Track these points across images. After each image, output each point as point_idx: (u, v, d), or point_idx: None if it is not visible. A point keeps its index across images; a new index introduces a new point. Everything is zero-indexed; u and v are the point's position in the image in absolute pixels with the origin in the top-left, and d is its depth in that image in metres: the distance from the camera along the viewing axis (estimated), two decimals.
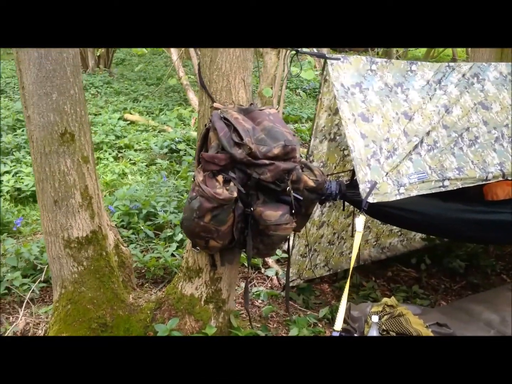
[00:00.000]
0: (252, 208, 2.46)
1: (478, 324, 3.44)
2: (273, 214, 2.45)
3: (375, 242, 4.17)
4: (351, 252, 3.98)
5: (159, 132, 7.57)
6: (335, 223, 3.79)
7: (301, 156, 3.22)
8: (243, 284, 3.71)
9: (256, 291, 3.68)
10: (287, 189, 2.47)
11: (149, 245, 4.12)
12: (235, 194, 2.35)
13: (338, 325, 2.32)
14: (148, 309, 2.81)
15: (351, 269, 2.51)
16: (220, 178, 2.38)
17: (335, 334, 2.29)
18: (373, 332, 2.84)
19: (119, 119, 7.90)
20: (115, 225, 4.21)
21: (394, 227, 4.15)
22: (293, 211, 2.52)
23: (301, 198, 2.55)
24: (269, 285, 3.86)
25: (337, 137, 3.43)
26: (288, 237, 2.92)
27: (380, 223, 4.06)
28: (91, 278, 2.63)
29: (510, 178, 2.77)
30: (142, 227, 4.29)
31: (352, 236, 3.81)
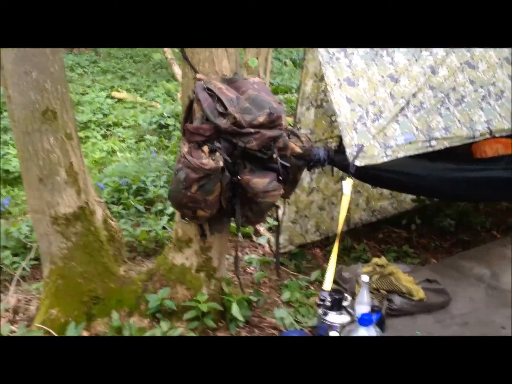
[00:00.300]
0: (239, 177, 2.46)
1: (469, 280, 3.51)
2: (261, 181, 2.46)
3: (366, 206, 4.20)
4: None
5: (147, 108, 7.51)
6: (325, 189, 3.81)
7: (290, 125, 3.24)
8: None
9: (248, 259, 3.72)
10: (274, 156, 2.47)
11: (140, 220, 4.14)
12: (221, 164, 2.35)
13: (327, 285, 2.35)
14: (139, 281, 2.84)
15: (339, 230, 2.53)
16: (205, 148, 2.38)
17: (324, 293, 2.32)
18: (364, 292, 2.88)
19: (106, 97, 7.83)
20: (105, 201, 4.23)
21: (384, 190, 4.18)
22: (281, 178, 2.52)
23: (288, 165, 2.55)
24: (261, 252, 3.89)
25: (324, 104, 3.42)
26: (276, 204, 2.94)
27: (370, 187, 4.08)
28: (80, 253, 2.64)
29: (497, 136, 2.77)
30: (132, 202, 4.30)
31: None
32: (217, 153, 2.35)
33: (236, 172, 2.45)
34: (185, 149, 2.37)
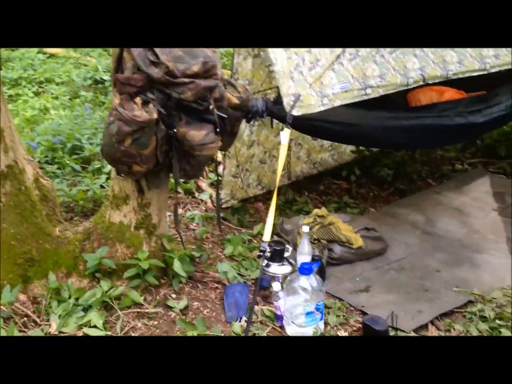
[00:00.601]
0: (175, 130, 2.40)
1: (405, 226, 3.63)
2: (197, 134, 2.40)
3: (307, 158, 4.21)
4: (283, 169, 4.01)
5: (81, 63, 7.19)
6: (265, 141, 3.79)
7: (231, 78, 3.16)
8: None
9: (190, 215, 3.68)
10: (210, 107, 2.41)
11: (76, 179, 4.01)
12: (155, 116, 2.28)
13: (267, 236, 2.36)
14: (76, 241, 2.76)
15: (277, 181, 2.52)
16: (138, 100, 2.29)
17: (264, 245, 2.34)
18: (304, 242, 2.93)
19: (38, 52, 7.41)
20: (38, 161, 4.06)
21: (325, 142, 4.20)
22: (218, 130, 2.47)
23: (226, 116, 2.50)
24: (204, 208, 3.86)
25: (261, 53, 3.35)
26: (216, 158, 2.91)
27: (311, 139, 4.09)
28: (11, 214, 2.53)
29: (430, 82, 2.80)
30: (67, 162, 4.15)
31: None
32: (151, 105, 2.28)
33: (172, 125, 2.38)
34: (116, 101, 2.27)
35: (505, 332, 2.52)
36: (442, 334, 2.57)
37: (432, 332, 2.59)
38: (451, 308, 2.74)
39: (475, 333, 2.56)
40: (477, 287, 2.93)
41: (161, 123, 2.36)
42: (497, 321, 2.64)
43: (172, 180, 2.66)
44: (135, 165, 2.39)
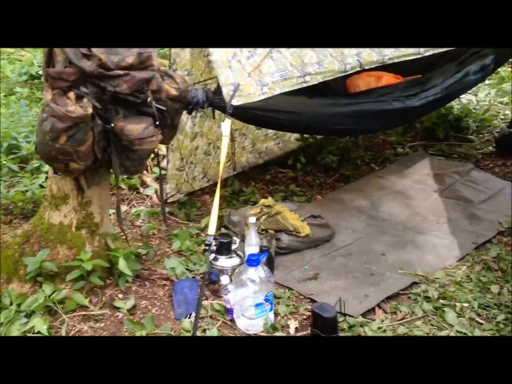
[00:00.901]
0: (112, 124, 2.33)
1: (350, 211, 3.68)
2: (136, 128, 2.34)
3: (252, 148, 4.20)
4: (228, 160, 3.99)
5: (15, 58, 6.90)
6: (209, 133, 3.74)
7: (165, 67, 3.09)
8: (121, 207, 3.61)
9: (135, 211, 3.60)
10: (148, 100, 2.35)
11: (14, 180, 3.85)
12: (90, 111, 2.20)
13: (212, 229, 2.33)
14: (15, 244, 2.65)
15: (220, 172, 2.49)
16: (71, 94, 2.21)
17: (210, 238, 2.31)
18: (252, 233, 2.92)
19: None
20: None
21: (269, 131, 4.19)
22: (157, 122, 2.42)
23: (164, 108, 2.45)
24: (149, 204, 3.79)
25: None
26: (158, 151, 2.85)
27: (255, 128, 4.07)
28: None
29: (367, 68, 2.83)
30: (4, 162, 3.98)
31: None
32: (85, 99, 2.20)
33: (109, 119, 2.32)
34: (48, 96, 2.18)
35: (449, 311, 2.60)
36: (389, 317, 2.62)
37: (379, 315, 2.63)
38: (397, 291, 2.79)
39: (420, 313, 2.63)
40: (421, 268, 3.00)
41: (97, 118, 2.29)
42: (441, 301, 2.71)
43: (113, 177, 2.59)
44: (72, 163, 2.31)
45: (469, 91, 5.28)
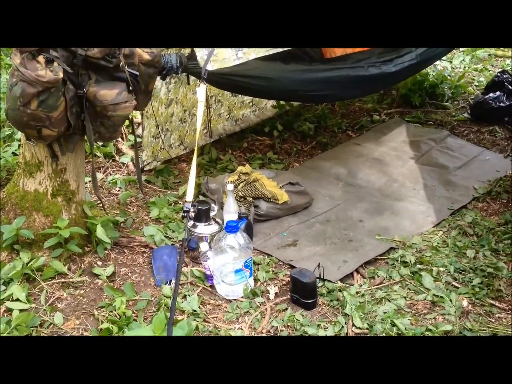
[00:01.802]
0: (84, 89, 2.27)
1: (328, 178, 3.69)
2: (109, 93, 2.28)
3: (228, 115, 4.15)
4: (204, 128, 3.94)
5: None
6: (184, 99, 3.68)
7: None
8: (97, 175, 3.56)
9: (112, 179, 3.55)
10: (121, 65, 2.29)
11: None
12: (61, 75, 2.13)
13: (189, 196, 2.31)
14: None
15: (197, 137, 2.46)
16: (41, 58, 2.13)
17: (187, 205, 2.29)
18: (230, 200, 2.91)
19: None
20: None
21: (246, 98, 4.15)
22: (131, 88, 2.36)
23: (138, 73, 2.39)
24: (126, 172, 3.74)
25: None
26: (132, 117, 2.79)
27: (231, 95, 4.02)
28: None
29: None
30: None
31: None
32: (55, 63, 2.12)
33: (81, 84, 2.26)
34: (17, 60, 2.10)
35: (425, 276, 2.65)
36: (367, 281, 2.65)
37: (358, 280, 2.67)
38: (375, 256, 2.83)
39: (397, 278, 2.67)
40: (398, 234, 3.04)
41: (68, 83, 2.22)
42: (418, 266, 2.75)
43: (88, 144, 2.53)
44: (45, 129, 2.25)
45: (444, 58, 5.30)
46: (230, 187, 2.94)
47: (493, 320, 2.40)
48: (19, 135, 3.65)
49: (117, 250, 2.85)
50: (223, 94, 3.93)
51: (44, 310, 2.41)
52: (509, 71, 4.86)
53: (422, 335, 2.27)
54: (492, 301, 2.51)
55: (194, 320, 2.37)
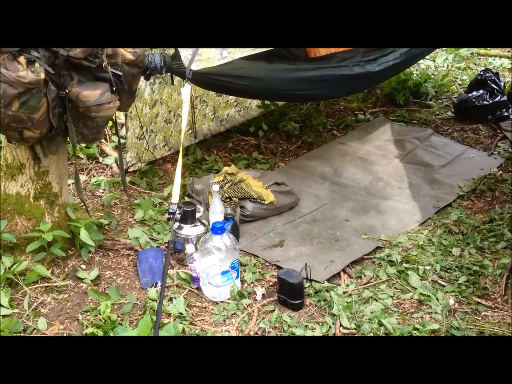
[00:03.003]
0: (67, 90, 2.23)
1: (314, 178, 3.68)
2: (92, 93, 2.25)
3: (213, 116, 4.13)
4: (189, 128, 3.91)
5: None
6: (169, 100, 3.64)
7: None
8: (81, 177, 3.52)
9: (95, 181, 3.51)
10: (103, 65, 2.26)
11: None
12: (43, 76, 2.09)
13: (175, 198, 2.29)
14: None
15: (182, 138, 2.44)
16: (22, 59, 2.08)
17: (173, 206, 2.26)
18: (216, 201, 2.89)
19: None
20: None
21: (230, 98, 4.13)
22: (114, 88, 2.33)
23: (121, 73, 2.36)
24: (109, 173, 3.69)
25: None
26: (116, 118, 2.76)
27: (215, 95, 4.00)
28: None
29: None
30: None
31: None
32: (37, 64, 2.08)
33: (63, 85, 2.22)
34: None
35: (412, 274, 2.65)
36: (354, 281, 2.65)
37: (345, 280, 2.66)
38: (361, 256, 2.83)
39: (384, 277, 2.67)
40: (384, 233, 3.05)
41: (50, 83, 2.18)
42: (404, 264, 2.76)
43: (71, 145, 2.49)
44: (27, 131, 2.20)
45: (427, 57, 5.33)
46: (215, 188, 2.91)
47: (479, 318, 2.40)
48: (0, 137, 3.60)
49: (101, 253, 2.81)
50: (208, 94, 3.91)
51: (28, 315, 2.37)
52: (492, 70, 4.90)
53: (410, 334, 2.26)
54: (478, 299, 2.52)
55: (181, 323, 2.34)
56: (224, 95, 4.00)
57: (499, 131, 4.39)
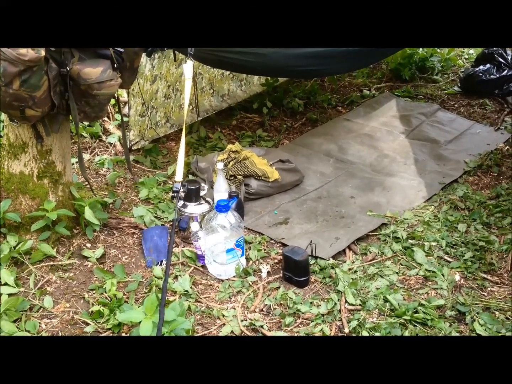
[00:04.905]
0: (68, 68, 2.20)
1: (319, 155, 3.65)
2: (93, 71, 2.21)
3: (212, 90, 4.05)
4: (190, 103, 3.86)
5: None
6: (167, 74, 3.58)
7: None
8: (84, 155, 3.51)
9: (99, 160, 3.49)
10: None
11: None
12: (43, 53, 2.05)
13: (179, 176, 2.27)
14: None
15: (185, 116, 2.41)
16: None
17: (177, 185, 2.24)
18: (220, 179, 2.87)
19: None
20: None
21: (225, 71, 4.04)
22: (116, 65, 2.30)
23: (122, 50, 2.32)
24: (113, 152, 3.68)
25: None
26: (118, 96, 2.73)
27: (209, 67, 3.91)
28: None
29: None
30: None
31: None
32: None
33: (64, 63, 2.18)
34: None
35: (417, 251, 2.64)
36: (359, 258, 2.64)
37: (350, 257, 2.66)
38: (366, 232, 2.81)
39: (389, 254, 2.66)
40: (390, 209, 3.03)
41: (51, 61, 2.15)
42: (410, 241, 2.75)
43: (73, 124, 2.47)
44: (28, 109, 2.18)
45: None
46: (220, 165, 2.89)
47: (485, 294, 2.40)
48: (2, 116, 3.58)
49: (106, 232, 2.81)
50: (202, 66, 3.82)
51: (34, 293, 2.38)
52: None
53: (415, 310, 2.26)
54: (484, 275, 2.51)
55: (186, 300, 2.35)
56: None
57: (506, 105, 4.33)
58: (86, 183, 2.84)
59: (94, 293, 2.40)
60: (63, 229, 2.61)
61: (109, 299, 2.34)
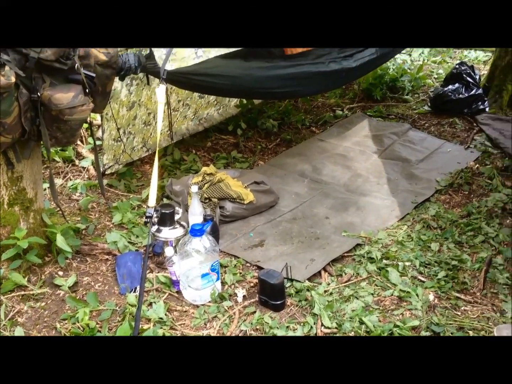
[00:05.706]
0: (39, 93, 2.18)
1: (293, 175, 3.68)
2: (65, 96, 2.20)
3: (193, 116, 4.08)
4: (168, 129, 3.86)
5: None
6: (148, 102, 3.58)
7: None
8: (57, 180, 3.46)
9: (72, 185, 3.45)
10: (76, 66, 2.22)
11: None
12: (13, 79, 2.04)
13: (152, 200, 2.25)
14: None
15: (157, 140, 2.41)
16: None
17: (150, 210, 2.22)
18: (195, 202, 2.86)
19: None
20: None
21: (211, 98, 4.08)
22: (87, 90, 2.29)
23: (94, 75, 2.31)
24: (86, 176, 3.64)
25: None
26: (91, 120, 2.71)
27: (198, 97, 3.94)
28: None
29: None
30: None
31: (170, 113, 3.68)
32: (7, 67, 2.03)
33: (35, 88, 2.17)
34: None
35: (392, 271, 2.65)
36: (335, 279, 2.65)
37: (325, 278, 2.66)
38: (341, 253, 2.82)
39: (364, 274, 2.67)
40: (364, 229, 3.05)
41: (21, 87, 2.13)
42: (384, 261, 2.76)
43: (45, 149, 2.45)
44: None
45: (403, 51, 5.36)
46: (194, 188, 2.88)
47: (459, 313, 2.42)
48: None
49: (79, 259, 2.77)
50: (191, 97, 3.85)
51: (4, 325, 2.32)
52: (467, 63, 4.94)
53: (390, 332, 2.27)
54: (457, 294, 2.53)
55: (161, 328, 2.31)
56: (207, 96, 3.96)
57: (475, 124, 4.43)
58: (58, 209, 2.80)
59: (66, 323, 2.35)
60: (34, 257, 2.57)
61: (81, 329, 2.29)
